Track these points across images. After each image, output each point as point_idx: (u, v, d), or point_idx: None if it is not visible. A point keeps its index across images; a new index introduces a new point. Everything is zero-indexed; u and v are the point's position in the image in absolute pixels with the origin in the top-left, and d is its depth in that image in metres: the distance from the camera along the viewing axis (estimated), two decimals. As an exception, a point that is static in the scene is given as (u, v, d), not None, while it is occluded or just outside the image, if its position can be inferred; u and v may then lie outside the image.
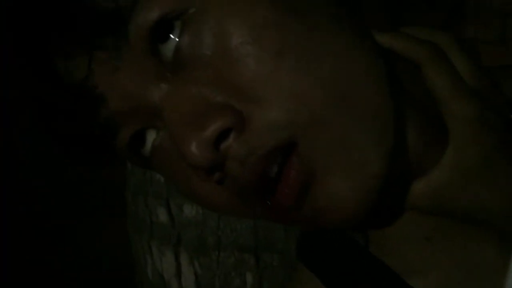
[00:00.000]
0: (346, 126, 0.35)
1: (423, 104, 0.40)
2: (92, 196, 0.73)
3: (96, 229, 0.76)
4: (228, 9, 0.36)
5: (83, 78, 0.36)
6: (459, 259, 0.40)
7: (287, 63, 0.35)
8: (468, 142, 0.38)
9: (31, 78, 0.40)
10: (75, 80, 0.37)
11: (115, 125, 0.38)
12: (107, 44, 0.36)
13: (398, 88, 0.39)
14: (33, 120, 0.41)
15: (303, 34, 0.36)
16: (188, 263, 0.72)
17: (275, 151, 0.35)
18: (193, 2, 0.35)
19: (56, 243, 0.74)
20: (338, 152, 0.35)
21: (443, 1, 0.54)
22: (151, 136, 0.39)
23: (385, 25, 0.46)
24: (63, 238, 0.73)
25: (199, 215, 0.70)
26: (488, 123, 0.38)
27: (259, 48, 0.35)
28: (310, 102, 0.35)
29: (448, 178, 0.38)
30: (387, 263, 0.42)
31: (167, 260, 0.72)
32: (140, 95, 0.37)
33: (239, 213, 0.41)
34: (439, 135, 0.38)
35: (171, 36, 0.36)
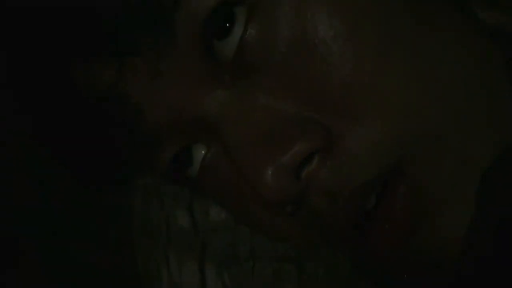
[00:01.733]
0: (466, 144, 0.28)
1: None
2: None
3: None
4: None
5: (110, 86, 0.29)
6: None
7: (394, 65, 0.27)
8: None
9: (40, 90, 0.34)
10: (100, 90, 0.29)
11: (153, 142, 0.31)
12: (143, 44, 0.27)
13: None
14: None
15: (413, 26, 0.27)
16: (215, 276, 0.61)
17: (377, 179, 0.27)
18: None
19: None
20: (457, 180, 0.28)
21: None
22: (198, 152, 0.32)
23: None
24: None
25: (229, 219, 0.57)
26: None
27: (357, 45, 0.26)
28: (422, 114, 0.27)
29: None
30: None
31: (188, 272, 0.62)
32: (188, 105, 0.29)
33: (313, 245, 0.35)
34: None
35: (232, 28, 0.27)
